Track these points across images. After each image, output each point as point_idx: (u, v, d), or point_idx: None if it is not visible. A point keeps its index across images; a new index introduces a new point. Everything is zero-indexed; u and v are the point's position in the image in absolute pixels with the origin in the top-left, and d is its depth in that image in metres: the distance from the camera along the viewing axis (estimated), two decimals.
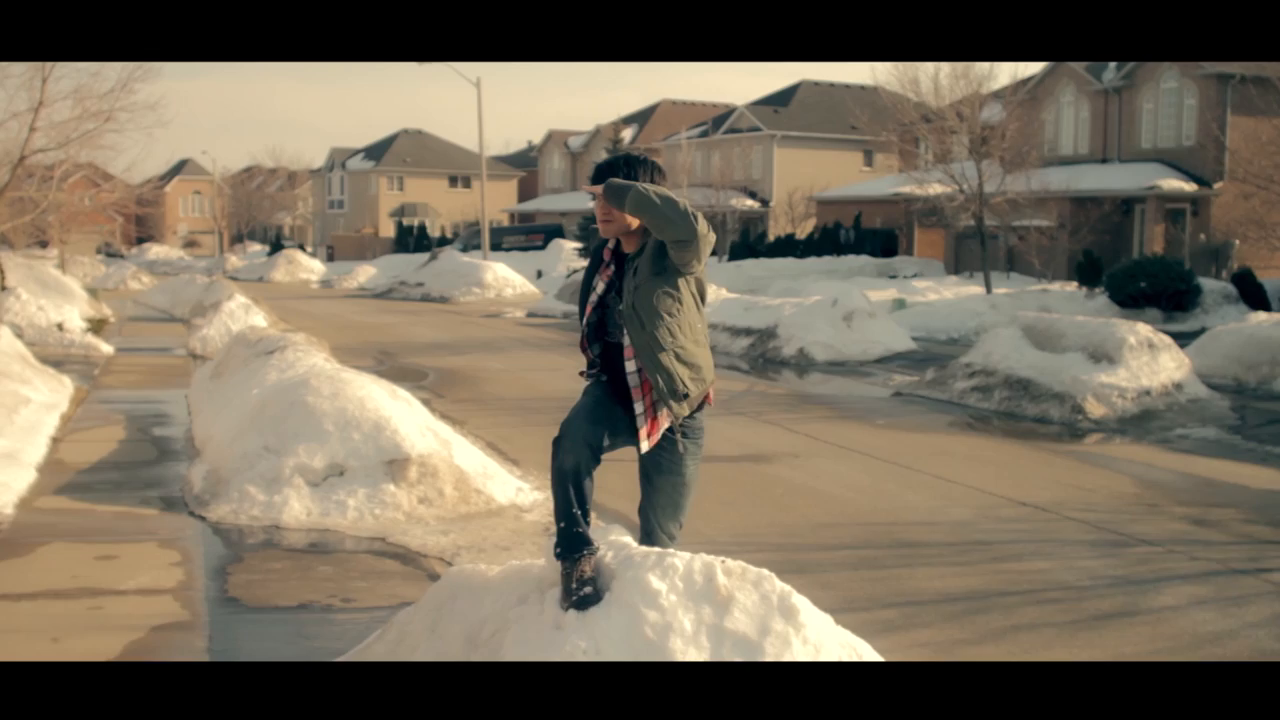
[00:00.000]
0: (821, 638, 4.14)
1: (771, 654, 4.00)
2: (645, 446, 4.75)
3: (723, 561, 4.23)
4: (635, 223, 4.69)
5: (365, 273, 51.15)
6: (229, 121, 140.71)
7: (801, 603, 4.18)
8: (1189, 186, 37.64)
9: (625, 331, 4.72)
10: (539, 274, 46.26)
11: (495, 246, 56.46)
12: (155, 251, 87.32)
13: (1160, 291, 26.10)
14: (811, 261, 43.97)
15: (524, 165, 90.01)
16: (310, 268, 55.97)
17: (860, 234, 47.70)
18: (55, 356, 17.92)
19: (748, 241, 48.91)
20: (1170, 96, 39.71)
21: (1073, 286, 31.12)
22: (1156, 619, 7.00)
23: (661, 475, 4.89)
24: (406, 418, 9.70)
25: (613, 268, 4.86)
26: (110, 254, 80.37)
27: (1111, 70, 41.72)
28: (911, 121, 34.50)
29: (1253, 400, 15.93)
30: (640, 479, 4.99)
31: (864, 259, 44.32)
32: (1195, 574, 7.90)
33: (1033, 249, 35.27)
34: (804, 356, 21.00)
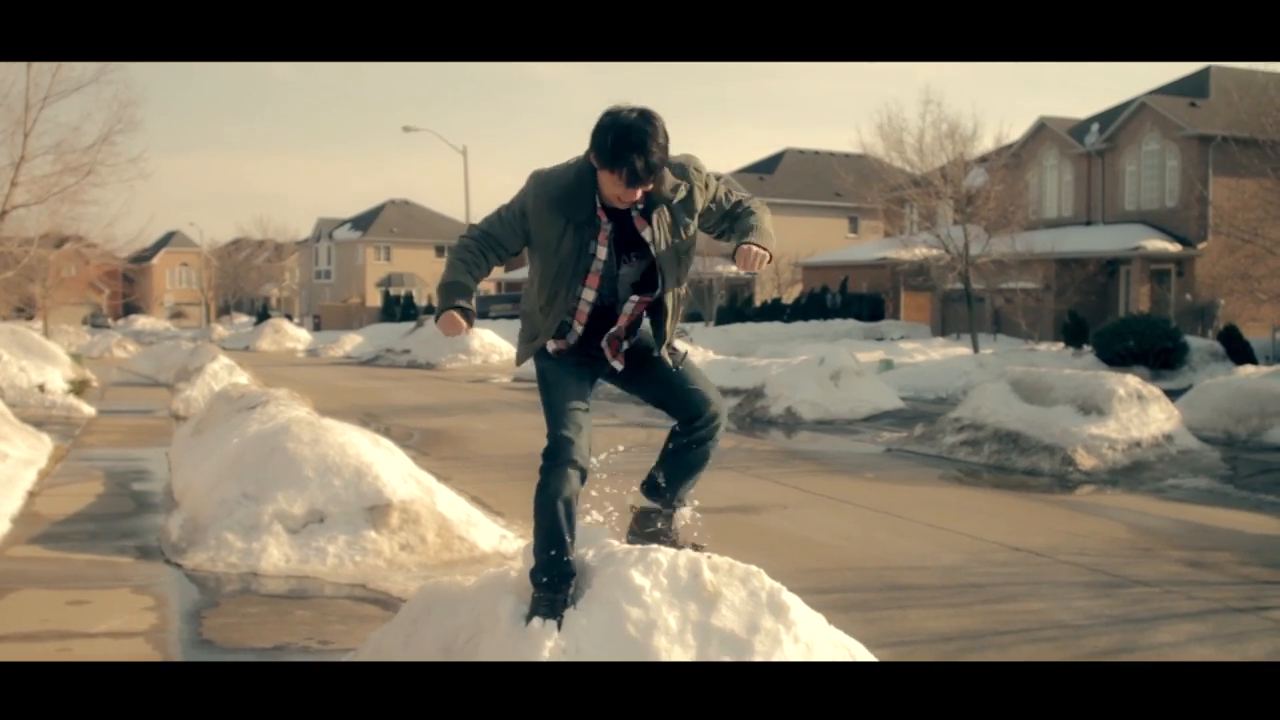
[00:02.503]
0: (813, 636, 3.98)
1: (761, 653, 3.85)
2: (619, 365, 4.67)
3: (709, 557, 4.08)
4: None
5: (351, 341, 51.07)
6: (216, 195, 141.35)
7: (792, 600, 4.02)
8: (1173, 247, 37.81)
9: (641, 291, 4.59)
10: None
11: (482, 315, 56.49)
12: (141, 323, 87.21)
13: (1148, 350, 26.08)
14: (798, 326, 44.00)
15: None
16: (296, 337, 55.91)
17: (847, 298, 47.78)
18: (36, 417, 17.71)
19: (734, 306, 48.96)
20: (1152, 158, 40.00)
21: (1059, 347, 31.11)
22: (1156, 655, 6.84)
23: (659, 367, 4.75)
24: (389, 464, 9.54)
25: (610, 227, 4.57)
26: (96, 324, 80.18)
27: (1094, 133, 42.05)
28: (897, 185, 34.68)
29: (1244, 451, 15.82)
30: (652, 397, 4.87)
31: (851, 323, 44.36)
32: (1193, 612, 7.75)
33: (1019, 310, 35.32)
34: (792, 415, 20.87)
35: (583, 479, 4.47)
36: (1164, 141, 39.57)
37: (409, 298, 69.72)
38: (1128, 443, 14.64)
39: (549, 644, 3.89)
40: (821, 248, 57.99)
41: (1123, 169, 41.29)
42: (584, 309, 4.62)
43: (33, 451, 13.65)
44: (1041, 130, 44.29)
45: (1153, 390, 15.63)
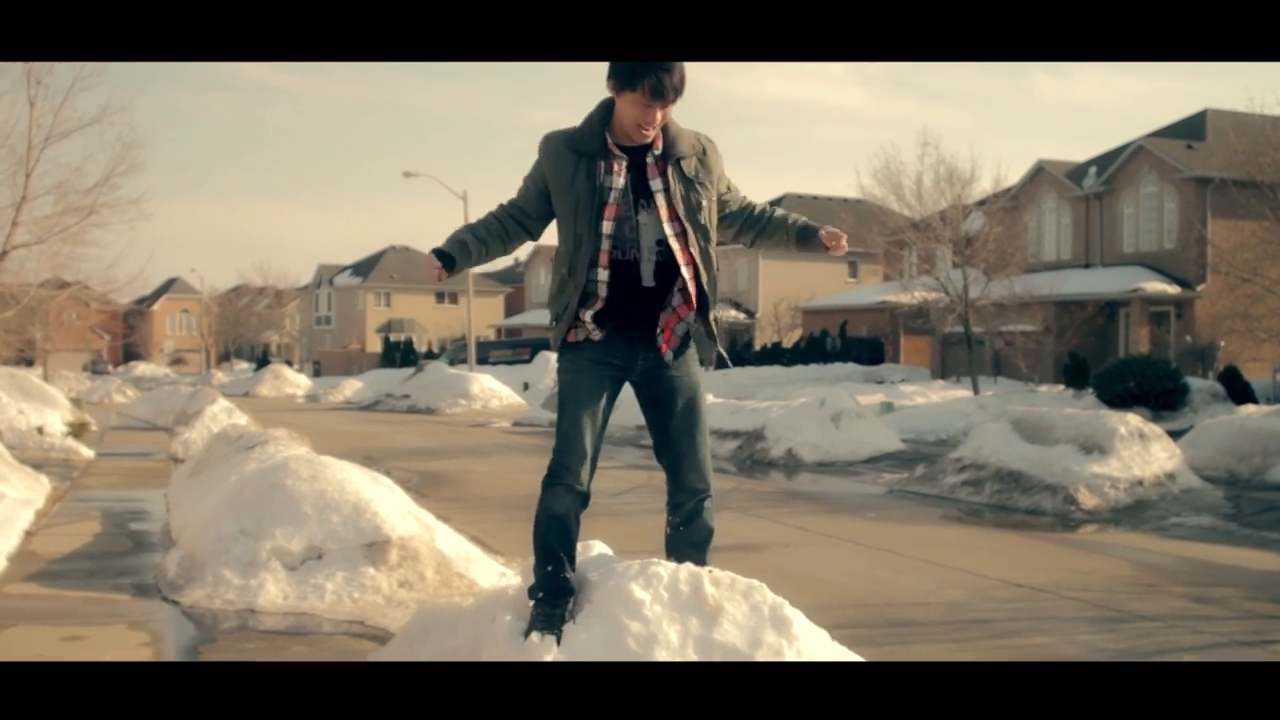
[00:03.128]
0: (816, 651, 3.94)
1: None
2: (669, 356, 4.60)
3: (710, 571, 4.03)
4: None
5: (351, 387, 51.02)
6: (218, 241, 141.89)
7: (795, 615, 3.98)
8: (1172, 289, 37.85)
9: (671, 240, 4.51)
10: (525, 386, 46.18)
11: (482, 361, 56.47)
12: (141, 369, 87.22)
13: (1148, 391, 26.06)
14: (798, 370, 44.00)
15: (511, 281, 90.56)
16: (296, 382, 55.87)
17: (846, 342, 47.81)
18: (35, 460, 17.65)
19: (734, 350, 48.99)
20: (1150, 201, 40.13)
21: (1060, 389, 31.10)
22: None
23: (673, 398, 4.68)
24: (387, 501, 9.49)
25: (626, 160, 4.52)
26: (96, 370, 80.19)
27: (1091, 176, 42.21)
28: (896, 229, 34.77)
29: (1246, 490, 15.77)
30: (649, 425, 4.78)
31: (851, 366, 44.36)
32: (1199, 646, 7.68)
33: (1019, 353, 35.32)
34: (792, 457, 20.81)
35: (583, 502, 4.44)
36: (1162, 184, 39.69)
37: (409, 343, 69.76)
38: (1130, 481, 14.59)
39: (548, 658, 3.85)
40: (821, 292, 58.10)
41: (1121, 211, 41.41)
42: (605, 247, 4.51)
43: (30, 492, 13.59)
44: (1040, 173, 44.45)
45: (1154, 429, 15.59)
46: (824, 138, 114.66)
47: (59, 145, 22.90)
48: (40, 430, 20.05)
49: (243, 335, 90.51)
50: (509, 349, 64.94)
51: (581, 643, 3.86)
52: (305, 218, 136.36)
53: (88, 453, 20.19)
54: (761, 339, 57.74)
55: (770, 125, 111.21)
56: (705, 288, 4.61)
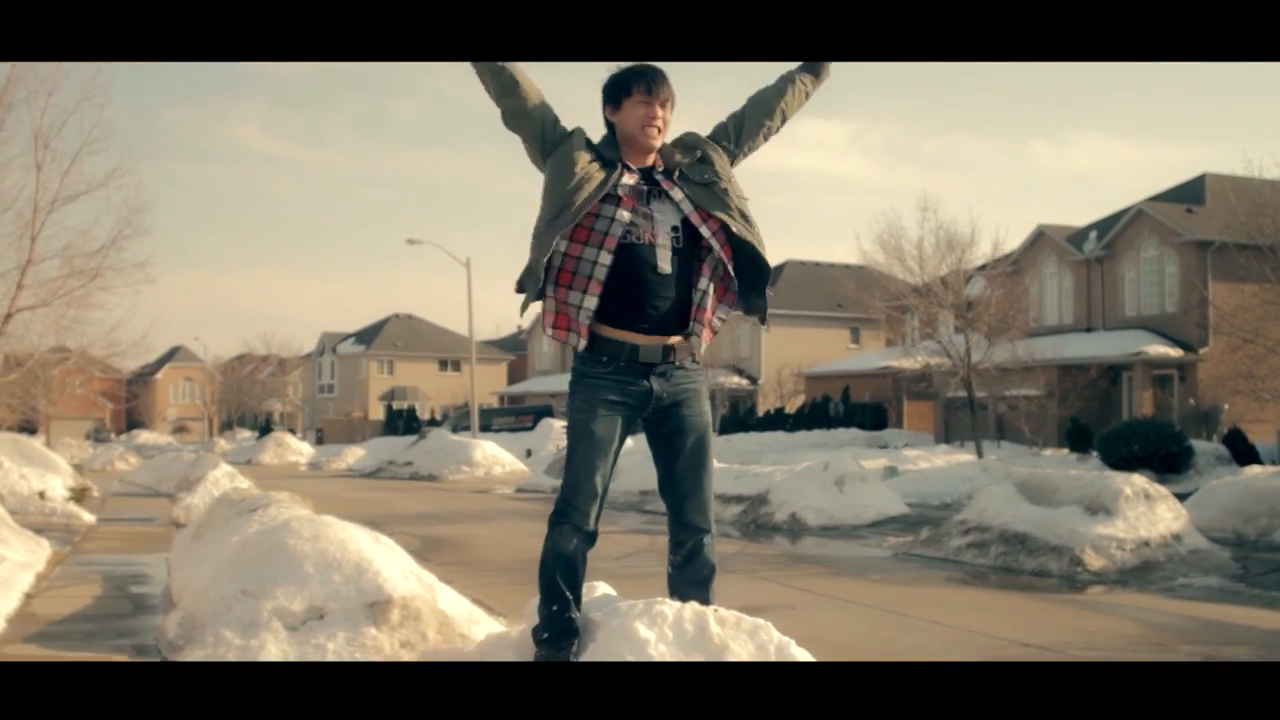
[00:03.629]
0: None
1: None
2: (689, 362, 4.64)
3: (715, 610, 3.99)
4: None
5: (354, 454, 50.97)
6: (221, 311, 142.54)
7: (801, 654, 3.94)
8: (1175, 352, 37.87)
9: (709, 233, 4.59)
10: (529, 453, 46.12)
11: (485, 428, 56.43)
12: (144, 437, 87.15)
13: (1152, 453, 26.00)
14: (801, 435, 43.95)
15: (514, 349, 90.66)
16: (299, 450, 55.82)
17: (849, 408, 47.78)
18: (36, 524, 17.59)
19: (737, 416, 48.97)
20: (1151, 264, 40.25)
21: (1064, 453, 31.04)
22: None
23: (683, 437, 4.65)
24: (389, 561, 9.43)
25: (639, 174, 4.60)
26: (99, 439, 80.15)
27: (1092, 241, 42.38)
28: (898, 294, 34.87)
29: (1254, 551, 15.69)
30: (656, 461, 4.75)
31: (854, 432, 44.31)
32: None
33: (1022, 417, 35.29)
34: (796, 521, 20.73)
35: (590, 542, 4.42)
36: (1162, 247, 39.84)
37: (412, 411, 69.75)
38: (1136, 542, 14.52)
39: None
40: (824, 358, 58.15)
41: (1122, 275, 41.53)
42: (616, 231, 4.51)
43: (31, 555, 13.54)
44: (1040, 238, 44.65)
45: (1159, 490, 15.54)
46: (825, 206, 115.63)
47: (65, 209, 23.07)
48: (42, 495, 20.01)
49: (246, 404, 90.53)
50: (512, 416, 64.88)
51: None
52: (308, 286, 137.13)
53: (89, 518, 20.14)
54: (764, 405, 57.70)
55: (771, 195, 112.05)
56: (761, 261, 4.68)
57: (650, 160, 4.66)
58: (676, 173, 4.63)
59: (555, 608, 4.29)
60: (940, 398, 40.38)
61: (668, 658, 3.83)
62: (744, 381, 60.60)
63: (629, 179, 4.56)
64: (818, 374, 53.78)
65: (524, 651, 4.20)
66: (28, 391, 28.67)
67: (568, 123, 4.63)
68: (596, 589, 4.48)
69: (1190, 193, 42.00)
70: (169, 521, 20.84)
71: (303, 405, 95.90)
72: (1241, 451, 26.90)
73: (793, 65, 5.03)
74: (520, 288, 4.61)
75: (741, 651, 3.86)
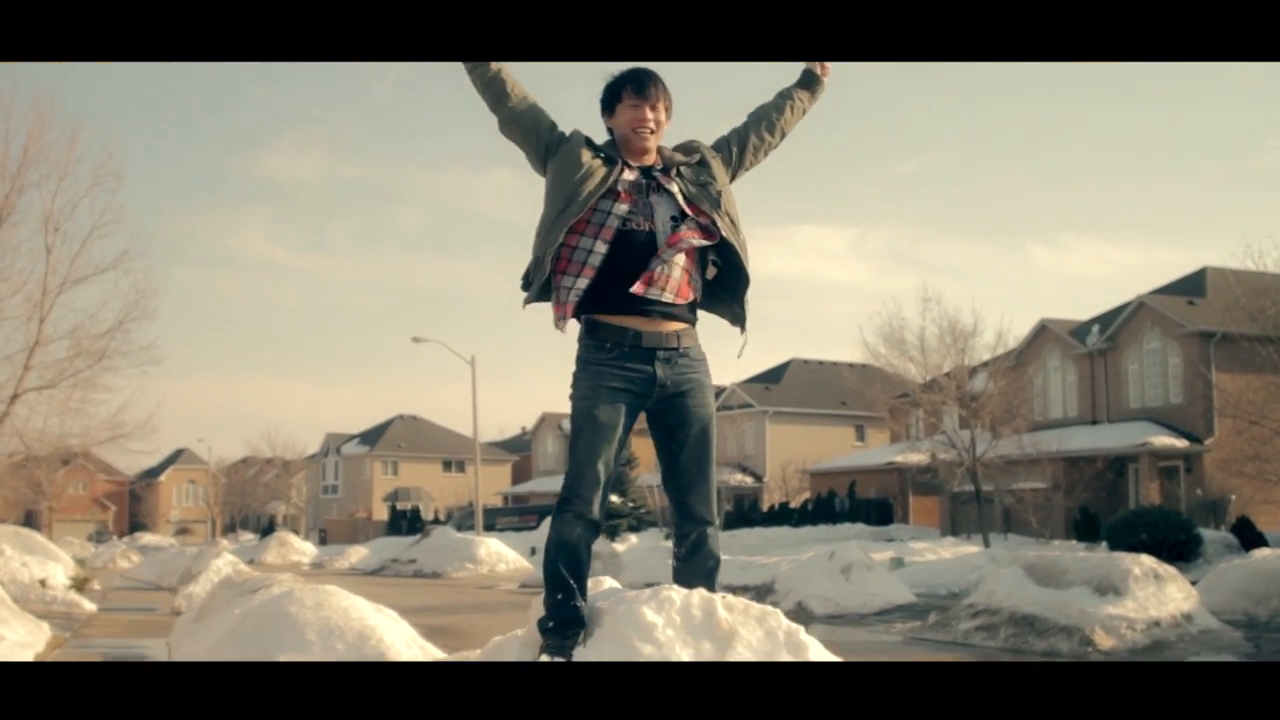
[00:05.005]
0: None
1: None
2: (639, 289, 4.56)
3: (723, 596, 3.96)
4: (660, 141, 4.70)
5: (357, 554, 50.67)
6: (225, 415, 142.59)
7: (810, 641, 3.89)
8: (1180, 443, 37.81)
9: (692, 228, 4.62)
10: (533, 551, 45.87)
11: (489, 527, 56.17)
12: (147, 539, 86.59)
13: (1161, 541, 25.83)
14: (807, 530, 43.75)
15: (518, 450, 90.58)
16: (302, 550, 55.50)
17: (855, 503, 47.61)
18: (36, 612, 17.45)
19: (742, 512, 48.80)
20: (1154, 356, 40.34)
21: (1072, 543, 30.89)
22: None
23: (686, 428, 4.63)
24: (392, 630, 9.38)
25: (638, 171, 4.66)
26: (101, 540, 79.84)
27: (1095, 334, 42.52)
28: (903, 392, 34.98)
29: (1265, 632, 15.53)
30: (659, 454, 4.73)
31: (859, 526, 44.11)
32: None
33: (1029, 509, 35.16)
34: (802, 610, 20.56)
35: (594, 531, 4.40)
36: (1165, 339, 39.96)
37: (415, 511, 69.51)
38: (1146, 622, 14.39)
39: None
40: (828, 455, 58.03)
41: (1125, 368, 41.60)
42: (613, 223, 4.54)
43: (30, 637, 13.44)
44: (1043, 332, 44.80)
45: (1169, 570, 15.43)
46: (827, 312, 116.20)
47: (74, 290, 23.21)
48: (43, 583, 19.90)
49: (249, 505, 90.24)
50: (516, 515, 64.60)
51: None
52: (312, 389, 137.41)
53: (90, 606, 20.00)
54: (769, 502, 57.48)
55: (774, 301, 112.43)
56: (743, 268, 4.68)
57: (649, 160, 4.73)
58: (675, 170, 4.71)
59: (560, 596, 4.26)
60: (946, 491, 40.26)
61: (675, 642, 3.79)
62: (748, 479, 60.42)
63: (629, 175, 4.63)
64: (823, 470, 53.64)
65: (529, 648, 4.15)
66: (31, 479, 28.58)
67: (575, 124, 4.73)
68: (603, 583, 4.45)
69: (1191, 286, 42.24)
70: (171, 611, 20.70)
71: (306, 507, 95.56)
72: (1250, 539, 26.75)
73: (793, 78, 5.12)
74: (526, 283, 4.65)
75: (750, 637, 3.82)
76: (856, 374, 43.94)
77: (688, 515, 4.63)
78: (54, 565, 21.54)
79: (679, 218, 4.61)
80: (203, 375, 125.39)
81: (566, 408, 4.68)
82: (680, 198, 4.64)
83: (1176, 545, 25.94)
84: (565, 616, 4.22)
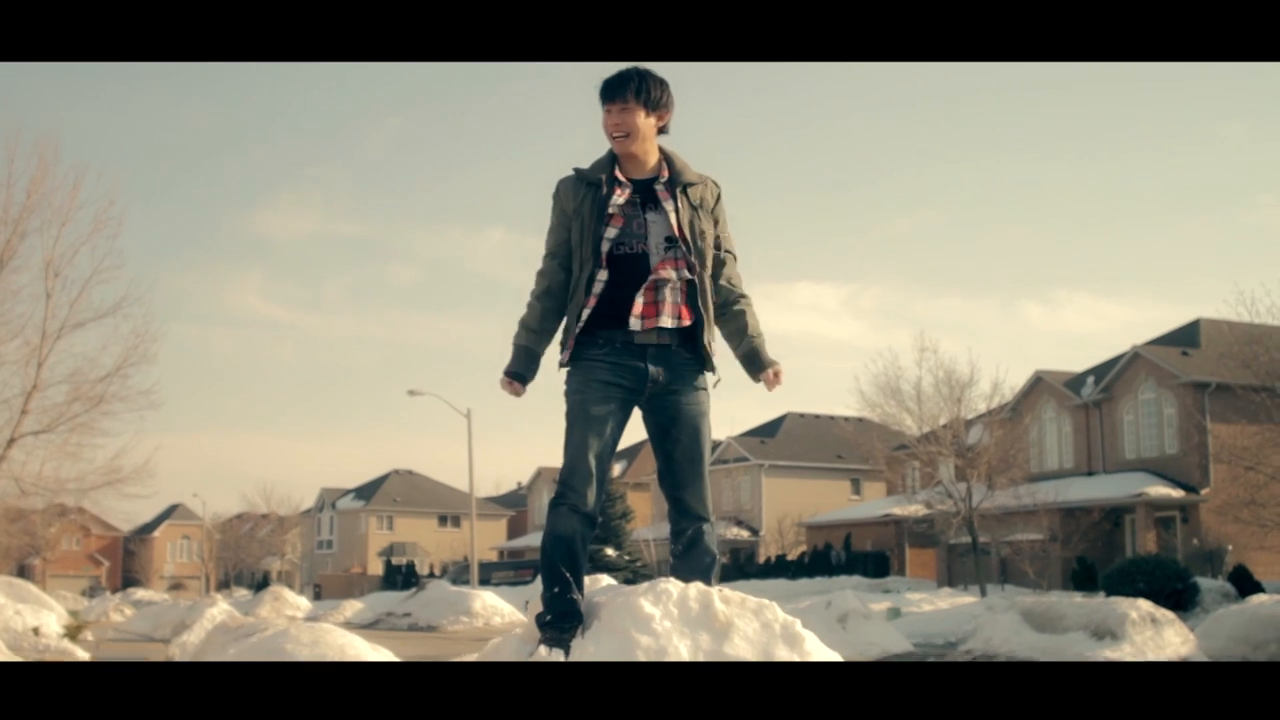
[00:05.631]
0: None
1: None
2: (637, 325, 4.59)
3: (720, 589, 3.98)
4: (651, 142, 4.70)
5: (352, 607, 50.43)
6: (221, 472, 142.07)
7: (807, 634, 3.91)
8: (1176, 493, 37.80)
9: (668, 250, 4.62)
10: (526, 604, 45.74)
11: (484, 582, 55.91)
12: (140, 594, 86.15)
13: (1158, 590, 25.76)
14: (804, 582, 43.61)
15: (514, 505, 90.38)
16: (296, 604, 55.20)
17: (851, 556, 47.49)
18: (29, 660, 17.39)
19: (739, 564, 48.66)
20: (1149, 407, 40.39)
21: (1069, 593, 30.79)
22: None
23: (679, 426, 4.66)
24: None
25: (631, 186, 4.65)
26: (94, 594, 79.41)
27: (1090, 385, 42.61)
28: (900, 445, 35.02)
29: None
30: (655, 452, 4.76)
31: (856, 579, 43.96)
32: None
33: (1026, 559, 35.11)
34: None
35: (589, 524, 4.43)
36: (1160, 390, 40.04)
37: (410, 566, 69.24)
38: None
39: None
40: (824, 508, 57.90)
41: (1121, 418, 41.65)
42: (605, 250, 4.58)
43: None
44: (1038, 384, 44.88)
45: (1166, 614, 15.43)
46: (822, 368, 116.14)
47: (73, 335, 23.23)
48: (36, 631, 19.81)
49: (244, 561, 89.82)
50: (511, 570, 64.28)
51: (590, 655, 3.79)
52: (308, 444, 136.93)
53: (83, 654, 19.89)
54: (765, 555, 57.29)
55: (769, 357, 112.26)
56: (700, 307, 4.63)
57: (649, 165, 4.72)
58: (681, 187, 4.70)
59: (557, 590, 4.28)
60: (942, 543, 40.18)
61: (672, 634, 3.79)
62: (745, 532, 60.23)
63: (619, 196, 4.63)
64: (819, 523, 53.51)
65: (527, 644, 4.15)
66: (26, 529, 28.43)
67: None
68: (600, 580, 4.48)
69: (1185, 336, 42.37)
70: (165, 659, 20.58)
71: (301, 563, 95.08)
72: (1247, 588, 26.71)
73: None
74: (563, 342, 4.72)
75: (747, 629, 3.83)
76: (854, 426, 43.97)
77: (684, 512, 4.67)
78: (47, 614, 21.44)
79: (673, 240, 4.63)
80: (198, 431, 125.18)
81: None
82: (674, 217, 4.64)
83: (1174, 594, 25.88)
84: (562, 609, 4.24)
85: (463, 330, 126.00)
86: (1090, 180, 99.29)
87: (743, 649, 3.82)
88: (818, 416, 67.53)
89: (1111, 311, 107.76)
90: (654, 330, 4.55)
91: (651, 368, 4.56)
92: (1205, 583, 27.35)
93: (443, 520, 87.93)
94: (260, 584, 78.21)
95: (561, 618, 4.21)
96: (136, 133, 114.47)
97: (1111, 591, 26.51)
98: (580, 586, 4.33)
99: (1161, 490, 37.92)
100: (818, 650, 3.94)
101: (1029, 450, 42.60)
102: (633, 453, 75.94)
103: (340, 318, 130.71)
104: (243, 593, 79.69)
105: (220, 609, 23.04)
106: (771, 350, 4.91)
